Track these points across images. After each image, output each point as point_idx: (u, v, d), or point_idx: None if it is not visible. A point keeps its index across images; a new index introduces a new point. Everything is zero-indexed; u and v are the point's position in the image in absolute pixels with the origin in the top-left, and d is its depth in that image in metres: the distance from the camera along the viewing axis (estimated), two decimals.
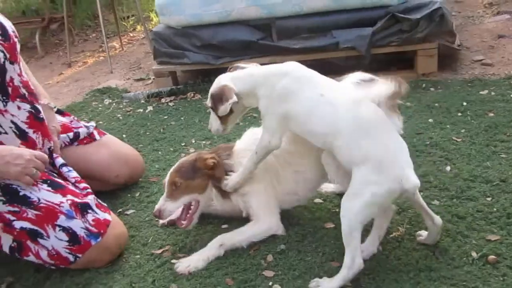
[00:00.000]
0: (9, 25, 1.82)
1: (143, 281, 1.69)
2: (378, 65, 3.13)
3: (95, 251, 1.75)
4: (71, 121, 2.25)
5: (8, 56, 1.75)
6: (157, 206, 1.79)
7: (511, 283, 1.44)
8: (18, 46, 1.85)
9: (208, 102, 1.74)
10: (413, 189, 1.46)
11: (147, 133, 2.98)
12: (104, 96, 3.79)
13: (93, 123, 2.34)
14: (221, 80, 1.71)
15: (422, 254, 1.60)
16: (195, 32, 3.44)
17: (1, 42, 1.74)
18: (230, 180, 1.78)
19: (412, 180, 1.44)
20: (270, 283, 1.58)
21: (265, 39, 3.35)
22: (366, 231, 1.59)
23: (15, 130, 1.77)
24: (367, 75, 1.73)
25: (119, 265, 1.80)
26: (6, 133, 1.75)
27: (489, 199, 1.83)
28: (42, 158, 1.74)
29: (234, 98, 1.65)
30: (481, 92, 2.79)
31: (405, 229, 1.73)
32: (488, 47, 3.58)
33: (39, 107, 1.89)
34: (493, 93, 2.76)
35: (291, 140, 1.78)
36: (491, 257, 1.53)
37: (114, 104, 3.60)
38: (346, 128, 1.50)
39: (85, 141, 2.23)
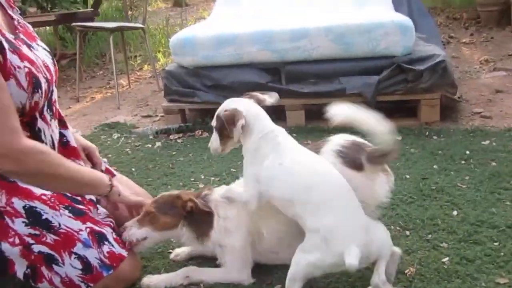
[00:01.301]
0: None
1: None
2: (383, 112, 3.22)
3: (109, 280, 1.76)
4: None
5: (55, 78, 1.85)
6: (127, 223, 1.83)
7: None
8: None
9: (214, 122, 1.73)
10: (348, 269, 1.46)
11: (156, 168, 3.02)
12: (112, 130, 3.85)
13: (105, 160, 2.35)
14: (232, 104, 1.71)
15: None
16: (207, 73, 3.56)
17: (53, 64, 1.85)
18: None
19: (348, 261, 1.43)
20: None
21: (274, 82, 3.46)
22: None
23: (50, 145, 1.83)
24: (351, 138, 1.75)
25: None
26: (46, 143, 1.80)
27: (496, 243, 1.88)
28: None
29: (243, 121, 1.66)
30: (482, 142, 2.89)
31: (415, 269, 1.76)
32: (486, 100, 3.73)
33: (65, 132, 1.97)
34: (494, 144, 2.86)
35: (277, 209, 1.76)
36: None
37: (122, 138, 3.66)
38: (299, 198, 1.56)
39: None
